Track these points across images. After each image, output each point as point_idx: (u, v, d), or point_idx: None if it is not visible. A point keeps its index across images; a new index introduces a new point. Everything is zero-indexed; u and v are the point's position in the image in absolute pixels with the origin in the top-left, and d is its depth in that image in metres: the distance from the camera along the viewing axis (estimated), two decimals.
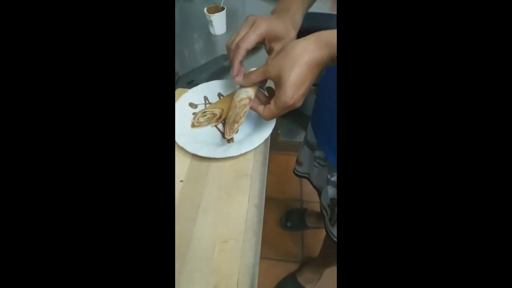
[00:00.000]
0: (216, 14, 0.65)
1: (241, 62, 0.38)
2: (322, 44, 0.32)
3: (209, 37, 0.70)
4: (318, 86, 0.59)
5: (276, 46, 0.38)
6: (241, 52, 0.37)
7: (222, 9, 0.66)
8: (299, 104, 0.36)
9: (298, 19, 0.41)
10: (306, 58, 0.33)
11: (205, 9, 0.66)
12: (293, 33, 0.39)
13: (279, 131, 1.26)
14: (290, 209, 1.16)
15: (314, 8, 0.86)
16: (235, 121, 0.40)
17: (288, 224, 1.12)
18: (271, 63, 0.35)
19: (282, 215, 1.14)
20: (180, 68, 0.59)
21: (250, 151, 0.41)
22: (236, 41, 0.38)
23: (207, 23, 0.68)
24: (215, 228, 0.34)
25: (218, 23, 0.67)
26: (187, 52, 0.67)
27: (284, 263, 1.08)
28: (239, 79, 0.39)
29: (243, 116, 0.39)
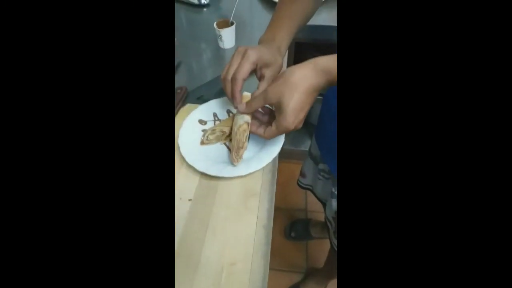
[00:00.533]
0: (226, 29, 0.66)
1: (240, 91, 0.42)
2: (319, 71, 0.35)
3: (218, 50, 0.71)
4: (323, 96, 0.60)
5: (267, 72, 0.42)
6: (240, 83, 0.41)
7: (232, 24, 0.67)
8: (299, 126, 0.38)
9: (283, 46, 0.45)
10: (304, 85, 0.35)
11: (215, 23, 0.67)
12: (279, 59, 0.44)
13: (284, 139, 1.26)
14: (294, 219, 1.16)
15: (315, 21, 0.87)
16: (239, 147, 0.41)
17: (293, 234, 1.11)
18: (271, 90, 0.38)
19: (287, 225, 1.13)
20: (188, 81, 0.60)
21: (259, 170, 0.41)
22: (231, 72, 0.41)
23: (216, 37, 0.69)
24: (223, 249, 0.35)
25: (227, 37, 0.68)
26: (195, 65, 0.68)
27: (288, 274, 1.07)
28: (242, 107, 0.42)
29: (246, 141, 0.41)
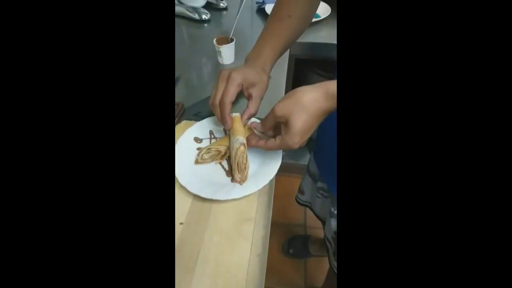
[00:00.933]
0: (225, 46, 0.66)
1: (229, 114, 0.43)
2: (330, 96, 0.35)
3: (218, 66, 0.70)
4: None
5: (254, 92, 0.43)
6: (228, 106, 0.42)
7: (231, 40, 0.67)
8: (303, 145, 0.39)
9: (268, 64, 0.46)
10: (314, 108, 0.35)
11: (215, 40, 0.67)
12: (265, 77, 0.44)
13: (284, 153, 1.25)
14: (293, 235, 1.13)
15: (315, 39, 0.87)
16: (241, 169, 0.41)
17: (291, 251, 1.08)
18: (279, 107, 0.38)
19: (285, 241, 1.11)
20: (186, 97, 0.59)
21: (254, 192, 0.39)
22: (218, 97, 0.42)
23: (215, 53, 0.69)
24: (215, 280, 0.33)
25: (227, 53, 0.68)
26: (194, 80, 0.68)
27: None
28: (259, 127, 0.42)
29: (246, 160, 0.41)
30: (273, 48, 0.46)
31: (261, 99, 0.44)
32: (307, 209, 1.19)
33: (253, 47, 0.49)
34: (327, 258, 0.67)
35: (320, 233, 1.12)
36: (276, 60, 0.48)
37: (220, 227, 0.37)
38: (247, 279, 0.32)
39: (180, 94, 0.62)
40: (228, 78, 0.41)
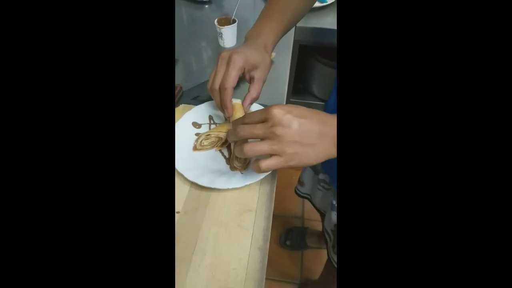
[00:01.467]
0: (227, 27, 0.62)
1: (231, 101, 0.39)
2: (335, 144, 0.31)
3: (218, 49, 0.67)
4: (325, 104, 0.57)
5: (256, 74, 0.40)
6: (229, 92, 0.38)
7: (234, 21, 0.64)
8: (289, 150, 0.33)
9: (270, 43, 0.42)
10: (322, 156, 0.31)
11: (216, 20, 0.63)
12: (267, 58, 0.41)
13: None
14: (290, 226, 1.12)
15: (320, 24, 0.83)
16: (241, 158, 0.38)
17: (288, 242, 1.07)
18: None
19: (282, 232, 1.10)
20: (185, 80, 0.56)
21: (256, 182, 0.37)
22: (217, 81, 0.38)
23: (216, 35, 0.66)
24: (212, 273, 0.30)
25: (228, 35, 0.64)
26: (194, 63, 0.64)
27: (281, 284, 1.03)
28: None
29: None
30: (276, 25, 0.43)
31: (264, 82, 0.41)
32: (305, 201, 1.18)
33: (254, 24, 0.45)
34: (324, 250, 0.66)
35: (317, 225, 1.11)
36: (278, 39, 0.44)
37: (219, 217, 0.35)
38: (247, 272, 0.30)
39: (179, 77, 0.58)
40: (229, 61, 0.38)
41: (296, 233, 1.09)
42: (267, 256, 0.32)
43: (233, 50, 0.39)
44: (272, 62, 0.43)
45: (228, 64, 0.38)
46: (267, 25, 0.43)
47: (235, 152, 0.34)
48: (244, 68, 0.39)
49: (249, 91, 0.40)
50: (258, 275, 0.30)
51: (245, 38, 0.44)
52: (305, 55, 0.98)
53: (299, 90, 1.14)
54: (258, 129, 0.31)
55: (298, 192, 0.80)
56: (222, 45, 0.66)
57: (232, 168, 0.39)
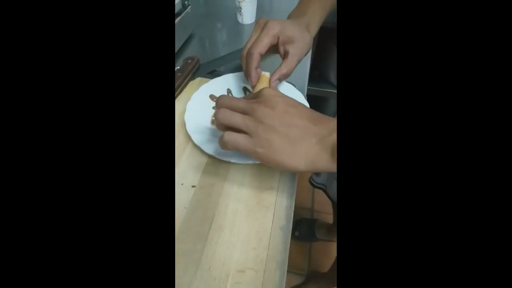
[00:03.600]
0: (247, 1, 0.59)
1: (256, 68, 0.35)
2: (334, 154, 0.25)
3: (236, 25, 0.63)
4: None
5: (291, 49, 0.35)
6: (255, 58, 0.34)
7: None
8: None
9: (314, 22, 0.39)
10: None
11: None
12: (307, 36, 0.37)
13: None
14: (299, 218, 1.10)
15: None
16: None
17: (296, 233, 1.05)
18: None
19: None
20: (201, 54, 0.53)
21: None
22: (247, 47, 0.35)
23: (235, 10, 0.62)
24: (230, 251, 0.28)
25: (248, 11, 0.61)
26: (209, 39, 0.61)
27: (288, 274, 1.01)
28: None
29: None
30: (320, 5, 0.39)
31: (299, 60, 0.37)
32: (316, 193, 1.16)
33: (297, 5, 0.42)
34: (333, 243, 0.64)
35: (327, 218, 1.09)
36: (323, 19, 0.41)
37: (237, 194, 0.32)
38: (268, 253, 0.28)
39: (194, 51, 0.55)
40: (264, 26, 0.35)
41: (306, 225, 1.07)
42: (289, 238, 0.29)
43: (272, 18, 0.36)
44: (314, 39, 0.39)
45: (262, 29, 0.35)
46: (311, 4, 0.40)
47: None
48: (279, 38, 0.35)
49: (280, 66, 0.36)
50: (280, 256, 0.28)
51: (287, 18, 0.41)
52: (321, 38, 0.93)
53: (315, 78, 1.09)
54: (241, 102, 0.28)
55: (312, 182, 0.77)
56: (240, 21, 0.63)
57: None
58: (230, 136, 0.27)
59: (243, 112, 0.27)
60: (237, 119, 0.27)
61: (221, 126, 0.29)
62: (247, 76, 0.36)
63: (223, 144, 0.28)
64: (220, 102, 0.29)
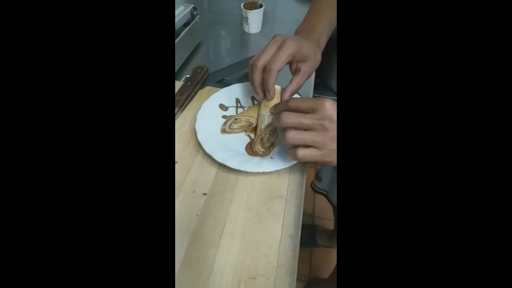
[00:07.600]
0: (253, 11, 0.60)
1: (274, 84, 0.37)
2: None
3: (243, 35, 0.65)
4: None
5: (303, 67, 0.38)
6: (275, 74, 0.36)
7: (260, 6, 0.61)
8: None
9: (323, 39, 0.41)
10: None
11: (242, 4, 0.61)
12: (318, 54, 0.39)
13: None
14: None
15: None
16: (265, 145, 0.38)
17: None
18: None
19: None
20: (208, 62, 0.54)
21: (285, 168, 0.35)
22: (263, 59, 0.37)
23: (241, 19, 0.64)
24: (241, 258, 0.29)
25: (254, 21, 0.62)
26: (216, 48, 0.62)
27: None
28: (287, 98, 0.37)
29: (276, 139, 0.38)
30: (328, 21, 0.41)
31: (308, 77, 0.39)
32: (316, 199, 1.16)
33: (305, 18, 0.43)
34: (334, 249, 0.64)
35: (328, 224, 1.09)
36: (329, 35, 0.42)
37: (248, 202, 0.33)
38: (278, 260, 0.29)
39: (202, 59, 0.56)
40: (282, 44, 0.36)
41: (307, 231, 1.07)
42: (298, 246, 0.30)
43: (288, 36, 0.37)
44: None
45: (280, 47, 0.36)
46: (320, 21, 0.41)
47: (281, 137, 0.33)
48: (294, 57, 0.37)
49: (291, 82, 0.38)
50: (290, 264, 0.29)
51: (295, 32, 0.42)
52: (327, 47, 0.95)
53: (317, 85, 1.10)
54: (307, 119, 0.30)
55: (314, 187, 0.78)
56: (246, 30, 0.64)
57: (251, 152, 0.37)
58: (302, 152, 0.31)
59: (309, 128, 0.31)
60: (306, 138, 0.30)
61: (289, 142, 0.31)
62: (263, 90, 0.38)
63: (295, 157, 0.31)
64: (285, 122, 0.31)
